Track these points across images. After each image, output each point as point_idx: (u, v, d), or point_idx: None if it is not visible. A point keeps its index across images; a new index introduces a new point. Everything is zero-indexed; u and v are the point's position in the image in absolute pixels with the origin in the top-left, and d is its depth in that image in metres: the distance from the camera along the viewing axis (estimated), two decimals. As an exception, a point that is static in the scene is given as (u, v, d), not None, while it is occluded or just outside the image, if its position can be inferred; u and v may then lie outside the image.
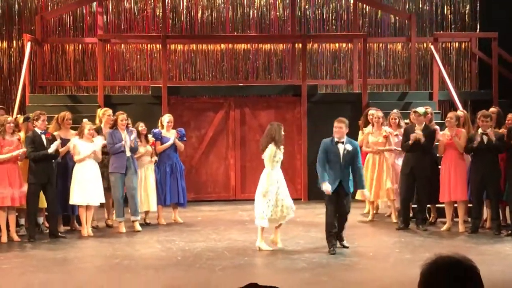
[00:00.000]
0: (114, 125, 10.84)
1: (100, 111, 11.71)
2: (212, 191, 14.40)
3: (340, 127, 9.16)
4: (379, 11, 16.27)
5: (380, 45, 16.32)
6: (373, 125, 11.79)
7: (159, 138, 11.52)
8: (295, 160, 14.42)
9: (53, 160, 10.22)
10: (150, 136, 11.47)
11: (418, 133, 10.61)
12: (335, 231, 9.12)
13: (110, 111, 11.62)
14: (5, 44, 15.85)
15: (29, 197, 10.05)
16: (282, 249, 9.27)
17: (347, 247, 9.26)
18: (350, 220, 11.53)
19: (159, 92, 14.23)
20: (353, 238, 10.06)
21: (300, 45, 15.18)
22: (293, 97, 14.80)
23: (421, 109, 10.90)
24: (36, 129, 10.21)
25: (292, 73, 15.78)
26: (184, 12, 16.16)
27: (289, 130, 14.67)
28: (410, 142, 10.61)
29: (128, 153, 10.71)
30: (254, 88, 15.04)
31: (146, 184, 11.27)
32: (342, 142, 9.19)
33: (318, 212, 12.76)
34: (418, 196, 10.88)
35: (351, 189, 9.34)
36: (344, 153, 9.13)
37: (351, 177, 9.22)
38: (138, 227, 10.80)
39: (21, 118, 10.93)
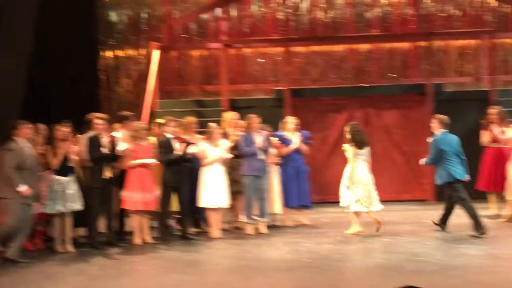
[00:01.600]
0: (247, 128, 10.99)
1: (226, 115, 11.91)
2: (337, 192, 14.28)
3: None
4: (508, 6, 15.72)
5: (509, 40, 15.76)
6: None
7: (284, 141, 11.59)
8: (421, 160, 14.16)
9: (184, 163, 10.50)
10: (275, 139, 11.56)
11: None
12: None
13: (236, 115, 11.80)
14: (133, 52, 16.39)
15: (162, 200, 10.37)
16: (412, 251, 9.12)
17: None
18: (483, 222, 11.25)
19: (282, 94, 14.33)
20: (484, 239, 9.79)
21: (425, 43, 14.90)
22: (418, 96, 14.54)
23: None
24: (166, 134, 10.53)
25: (416, 71, 15.50)
26: (306, 14, 16.19)
27: (414, 129, 14.45)
28: None
29: (261, 156, 10.83)
30: (377, 88, 14.88)
31: (271, 186, 11.37)
32: None
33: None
34: None
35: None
36: None
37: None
38: (265, 229, 10.91)
39: (153, 123, 11.28)
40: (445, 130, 10.62)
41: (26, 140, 9.26)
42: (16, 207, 9.01)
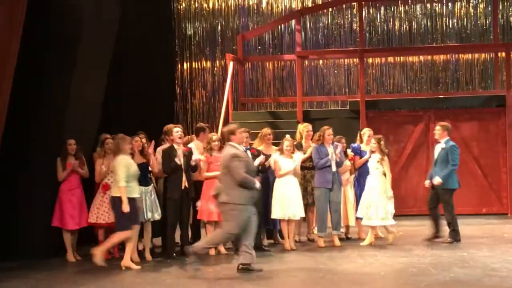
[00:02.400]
0: (319, 140, 10.95)
1: (300, 127, 11.89)
2: (413, 205, 14.15)
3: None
4: None
5: None
6: None
7: (358, 153, 11.50)
8: (500, 174, 13.87)
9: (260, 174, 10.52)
10: (349, 151, 11.49)
11: None
12: None
13: (310, 127, 11.76)
14: (209, 63, 16.59)
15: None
16: (490, 266, 8.91)
17: None
18: None
19: (357, 106, 14.25)
20: None
21: (503, 53, 14.60)
22: (497, 108, 14.26)
23: None
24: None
25: (495, 83, 15.19)
26: (381, 25, 16.08)
27: (493, 142, 14.17)
28: None
29: (334, 168, 10.78)
30: (455, 100, 14.65)
31: (345, 198, 11.29)
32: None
33: (526, 228, 12.22)
34: None
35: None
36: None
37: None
38: (337, 241, 10.83)
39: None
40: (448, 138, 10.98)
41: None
42: (244, 212, 8.84)
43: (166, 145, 10.26)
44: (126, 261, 9.36)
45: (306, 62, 16.02)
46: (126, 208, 9.11)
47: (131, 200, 9.21)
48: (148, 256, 10.05)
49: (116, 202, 9.21)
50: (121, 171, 9.18)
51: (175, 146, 10.14)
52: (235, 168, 8.70)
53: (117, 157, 9.31)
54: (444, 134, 11.02)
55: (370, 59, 15.94)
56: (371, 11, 16.09)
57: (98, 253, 9.30)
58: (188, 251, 9.03)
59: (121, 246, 10.66)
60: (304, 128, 11.67)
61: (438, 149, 11.05)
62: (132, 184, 9.32)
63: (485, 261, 9.29)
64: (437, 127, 11.18)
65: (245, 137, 10.46)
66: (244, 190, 8.71)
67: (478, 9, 15.74)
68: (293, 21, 15.92)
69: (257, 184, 8.93)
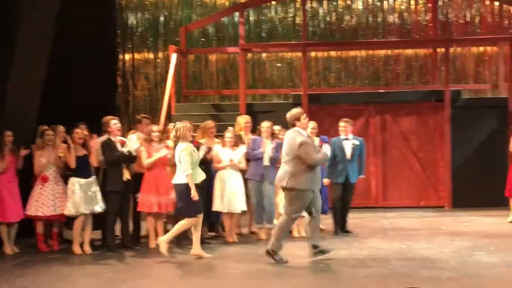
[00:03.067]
0: (258, 132, 10.99)
1: (240, 119, 11.89)
2: (353, 198, 14.27)
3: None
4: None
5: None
6: None
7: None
8: (438, 167, 14.13)
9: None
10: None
11: None
12: None
13: (248, 118, 11.76)
14: (151, 55, 16.47)
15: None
16: (427, 258, 9.08)
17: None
18: (499, 229, 11.20)
19: (299, 99, 14.34)
20: (501, 247, 9.73)
21: (443, 49, 14.86)
22: (435, 103, 14.51)
23: None
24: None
25: (434, 78, 15.47)
26: (324, 19, 16.19)
27: (431, 136, 14.42)
28: None
29: (266, 162, 10.80)
30: (395, 94, 14.85)
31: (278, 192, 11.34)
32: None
33: (462, 220, 12.47)
34: None
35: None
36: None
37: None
38: (263, 235, 10.85)
39: (170, 127, 11.26)
40: None
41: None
42: (309, 196, 8.99)
43: (104, 137, 10.16)
44: (196, 250, 9.39)
45: (250, 55, 16.04)
46: (195, 195, 9.17)
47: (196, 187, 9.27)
48: (87, 248, 9.95)
49: (181, 189, 9.23)
50: (187, 159, 9.19)
51: (113, 137, 10.05)
52: (309, 154, 8.80)
53: (181, 144, 9.32)
54: (351, 130, 11.16)
55: (313, 53, 16.04)
56: (314, 5, 16.18)
57: (163, 243, 9.32)
58: (269, 253, 8.99)
59: (61, 239, 10.55)
60: (242, 120, 11.68)
61: (349, 144, 11.12)
62: (196, 171, 9.40)
63: (422, 253, 9.47)
64: (343, 124, 11.25)
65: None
66: (309, 175, 8.88)
67: (418, 5, 15.98)
68: (237, 14, 15.92)
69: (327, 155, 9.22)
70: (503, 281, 7.92)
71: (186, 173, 9.21)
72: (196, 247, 9.43)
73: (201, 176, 9.55)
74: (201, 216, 9.47)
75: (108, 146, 9.99)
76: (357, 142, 11.13)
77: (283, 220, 9.09)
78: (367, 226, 12.00)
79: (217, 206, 10.65)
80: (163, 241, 9.37)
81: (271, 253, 8.95)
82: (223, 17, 16.19)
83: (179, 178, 9.32)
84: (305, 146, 8.85)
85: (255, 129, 11.30)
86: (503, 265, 8.67)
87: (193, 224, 9.39)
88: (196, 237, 9.45)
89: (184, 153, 9.24)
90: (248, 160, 11.00)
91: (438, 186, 14.24)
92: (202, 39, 16.40)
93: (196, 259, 9.27)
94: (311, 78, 15.88)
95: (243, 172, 10.90)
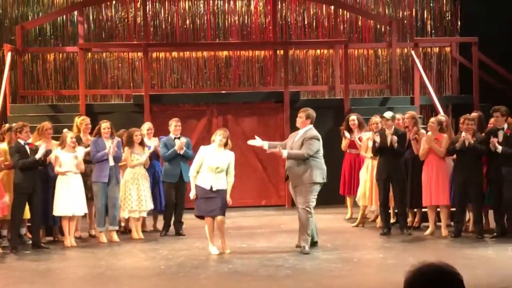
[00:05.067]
0: (97, 134, 10.79)
1: (78, 120, 11.63)
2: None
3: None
4: (360, 17, 16.32)
5: (361, 51, 16.36)
6: (372, 131, 11.75)
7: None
8: (279, 167, 14.42)
9: (40, 167, 10.19)
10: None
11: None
12: None
13: (87, 120, 11.56)
14: (-15, 54, 15.77)
15: (15, 207, 9.98)
16: (267, 257, 9.26)
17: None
18: (335, 226, 11.61)
19: (141, 100, 14.20)
20: (336, 243, 10.08)
21: (282, 51, 15.21)
22: (275, 104, 14.82)
23: (388, 114, 11.06)
24: (19, 140, 10.14)
25: (274, 79, 15.81)
26: (165, 20, 16.14)
27: (272, 136, 14.66)
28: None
29: (111, 162, 10.65)
30: (236, 95, 15.05)
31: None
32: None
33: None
34: (396, 201, 10.93)
35: None
36: None
37: None
38: (115, 237, 10.73)
39: (5, 128, 10.82)
40: None
41: None
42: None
43: None
44: None
45: (90, 54, 15.71)
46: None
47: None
48: None
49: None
50: None
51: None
52: (313, 147, 9.38)
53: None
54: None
55: (155, 53, 15.94)
56: (155, 5, 16.09)
57: None
58: (305, 251, 9.35)
59: None
60: (81, 121, 11.45)
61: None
62: None
63: (262, 252, 9.64)
64: (175, 123, 11.33)
65: (24, 132, 10.12)
66: (319, 170, 9.40)
67: (259, 7, 16.27)
68: (76, 13, 15.56)
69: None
70: (338, 276, 8.21)
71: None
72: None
73: None
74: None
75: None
76: (184, 140, 11.23)
77: (302, 215, 9.45)
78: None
79: (58, 210, 10.35)
80: None
81: None
82: (61, 15, 15.77)
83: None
84: (316, 142, 9.61)
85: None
86: (338, 261, 8.99)
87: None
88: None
89: None
90: (89, 162, 10.77)
91: (278, 185, 14.54)
92: (39, 38, 15.87)
93: (39, 265, 8.97)
94: (153, 79, 15.78)
95: (83, 174, 10.69)
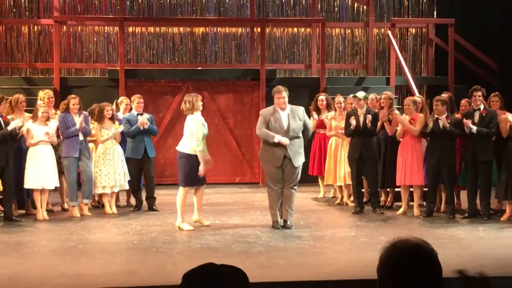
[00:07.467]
0: (66, 109, 10.70)
1: (41, 93, 11.49)
2: (169, 174, 14.28)
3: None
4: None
5: (338, 30, 16.35)
6: (335, 110, 11.87)
7: (118, 121, 11.38)
8: (253, 144, 14.42)
9: (12, 140, 10.10)
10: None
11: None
12: None
13: (51, 93, 11.49)
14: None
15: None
16: (240, 233, 9.29)
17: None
18: (307, 204, 11.66)
19: (116, 75, 14.10)
20: (309, 221, 10.13)
21: (259, 29, 15.16)
22: (251, 81, 14.79)
23: (360, 94, 11.12)
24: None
25: (251, 57, 15.76)
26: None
27: (247, 114, 14.70)
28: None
29: (81, 137, 10.60)
30: (212, 72, 14.99)
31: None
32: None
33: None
34: (368, 180, 11.00)
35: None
36: None
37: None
38: (86, 211, 10.70)
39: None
40: None
41: None
42: None
43: None
44: (196, 217, 9.73)
45: (65, 27, 15.54)
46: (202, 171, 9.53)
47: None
48: None
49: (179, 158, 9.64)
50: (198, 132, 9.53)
51: None
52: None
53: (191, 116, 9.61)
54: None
55: (131, 28, 15.81)
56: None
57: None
58: (287, 226, 9.55)
59: None
60: (44, 94, 11.34)
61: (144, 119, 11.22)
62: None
63: (235, 228, 9.67)
64: (137, 99, 11.33)
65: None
66: None
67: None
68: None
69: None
70: (309, 253, 8.26)
71: (198, 148, 9.50)
72: (196, 215, 9.75)
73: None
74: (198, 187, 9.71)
75: None
76: (147, 116, 11.26)
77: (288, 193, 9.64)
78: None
79: (30, 183, 10.29)
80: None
81: None
82: (36, -13, 15.57)
83: (183, 146, 9.62)
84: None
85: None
86: (310, 238, 9.03)
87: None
88: (196, 205, 9.75)
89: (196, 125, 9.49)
90: (58, 137, 10.71)
91: (253, 162, 14.54)
92: (13, 10, 15.66)
93: (11, 238, 8.91)
94: (129, 54, 15.66)
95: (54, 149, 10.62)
